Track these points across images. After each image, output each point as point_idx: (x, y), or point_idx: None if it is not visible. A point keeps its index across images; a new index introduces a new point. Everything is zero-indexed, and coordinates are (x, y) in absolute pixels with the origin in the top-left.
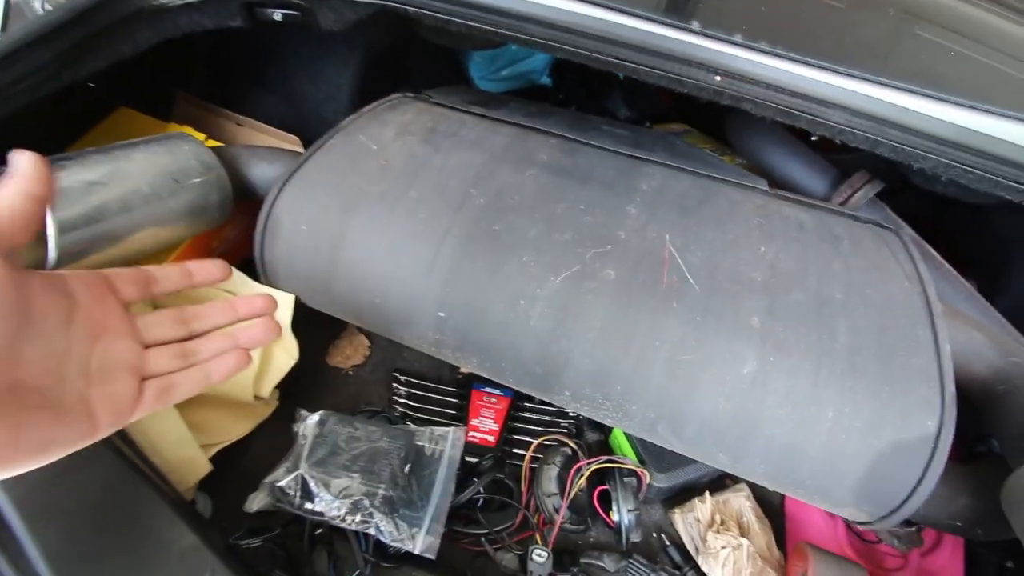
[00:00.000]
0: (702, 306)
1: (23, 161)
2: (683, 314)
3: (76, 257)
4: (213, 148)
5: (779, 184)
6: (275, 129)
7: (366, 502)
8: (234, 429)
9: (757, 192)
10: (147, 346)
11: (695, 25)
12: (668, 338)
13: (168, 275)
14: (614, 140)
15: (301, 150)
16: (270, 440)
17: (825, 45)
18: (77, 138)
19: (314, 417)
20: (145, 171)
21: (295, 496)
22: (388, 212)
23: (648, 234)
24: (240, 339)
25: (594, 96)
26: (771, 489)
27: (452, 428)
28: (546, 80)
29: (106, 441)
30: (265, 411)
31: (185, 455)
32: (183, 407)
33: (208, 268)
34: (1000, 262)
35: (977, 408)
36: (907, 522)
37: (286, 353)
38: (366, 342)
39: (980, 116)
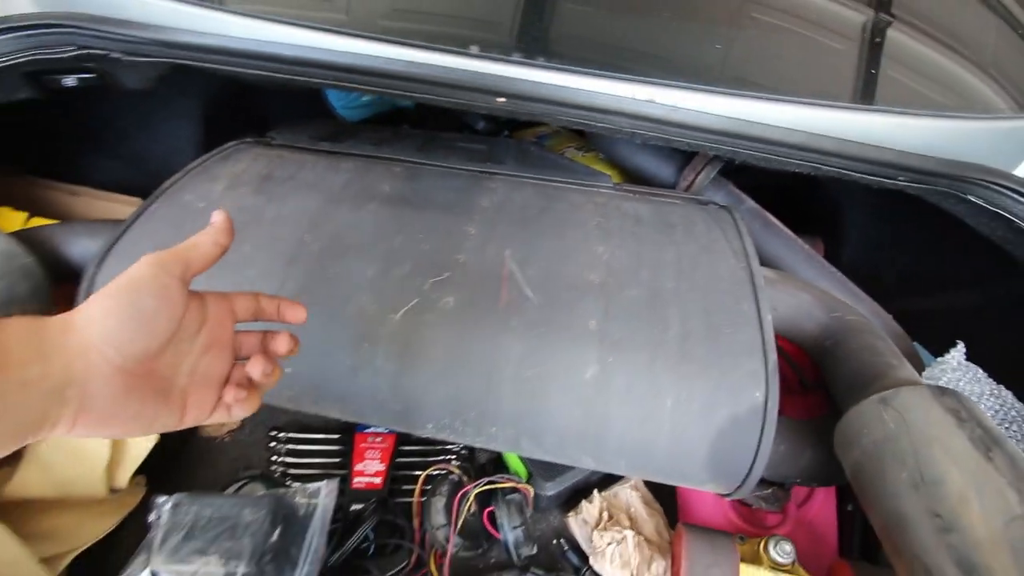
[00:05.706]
0: (542, 318)
1: (220, 218)
2: (522, 330)
3: None
4: (19, 232)
5: (632, 176)
6: (117, 195)
7: None
8: (93, 528)
9: (600, 191)
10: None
11: (473, 49)
12: (511, 356)
13: (266, 303)
14: (465, 157)
15: None
16: (142, 533)
17: (601, 54)
18: None
19: (170, 501)
20: None
21: None
22: (216, 275)
23: (488, 253)
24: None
25: (450, 112)
26: (639, 479)
27: (325, 480)
28: (406, 101)
29: None
30: (130, 502)
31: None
32: (26, 516)
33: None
34: (837, 219)
35: (817, 363)
36: (769, 483)
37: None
38: None
39: (742, 102)
